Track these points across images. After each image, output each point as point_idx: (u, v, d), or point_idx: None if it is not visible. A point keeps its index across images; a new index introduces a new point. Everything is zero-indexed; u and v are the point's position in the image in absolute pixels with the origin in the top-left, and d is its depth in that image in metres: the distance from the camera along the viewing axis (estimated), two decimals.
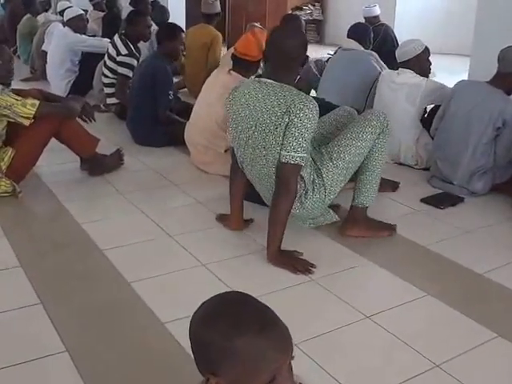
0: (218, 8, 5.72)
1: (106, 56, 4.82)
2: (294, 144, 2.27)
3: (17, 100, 2.88)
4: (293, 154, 2.28)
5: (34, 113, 2.89)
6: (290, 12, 9.19)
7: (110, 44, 4.84)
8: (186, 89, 5.65)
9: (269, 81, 2.36)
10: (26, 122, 2.91)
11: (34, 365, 1.74)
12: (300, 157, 2.29)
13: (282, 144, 2.29)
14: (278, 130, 2.29)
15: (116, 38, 4.77)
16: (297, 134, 2.26)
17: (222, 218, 2.77)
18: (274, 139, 2.31)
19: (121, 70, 4.65)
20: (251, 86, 2.41)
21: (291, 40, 2.35)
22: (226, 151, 3.39)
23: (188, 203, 3.05)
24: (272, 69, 2.39)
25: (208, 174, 3.47)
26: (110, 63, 4.77)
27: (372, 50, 4.35)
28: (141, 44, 4.91)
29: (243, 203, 2.69)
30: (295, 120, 2.25)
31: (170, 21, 6.48)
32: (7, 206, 2.94)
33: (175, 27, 4.23)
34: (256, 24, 4.65)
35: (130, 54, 4.66)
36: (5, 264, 2.34)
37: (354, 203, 2.65)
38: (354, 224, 2.65)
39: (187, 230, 2.71)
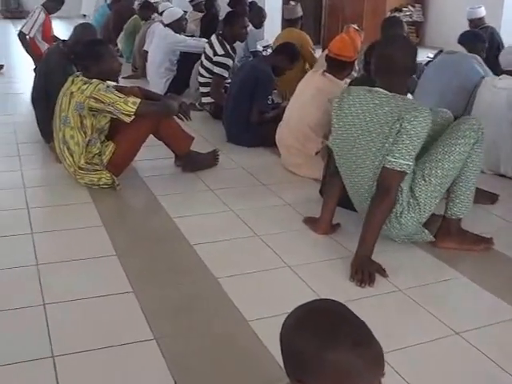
0: (300, 12, 5.78)
1: (202, 56, 4.96)
2: (403, 151, 2.22)
3: (119, 97, 3.02)
4: (401, 161, 2.23)
5: (134, 110, 3.02)
6: (388, 13, 8.98)
7: (207, 44, 4.97)
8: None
9: (381, 90, 2.33)
10: (127, 119, 3.05)
11: (123, 349, 1.82)
12: (407, 164, 2.24)
13: (389, 150, 2.25)
14: (388, 138, 2.25)
15: (213, 38, 4.89)
16: (407, 142, 2.22)
17: (309, 221, 2.76)
18: (382, 148, 2.27)
19: (217, 69, 4.76)
20: (362, 95, 2.38)
21: (402, 51, 2.32)
22: (316, 153, 3.38)
23: (276, 204, 3.07)
24: (382, 79, 2.36)
25: (297, 176, 3.48)
26: (206, 63, 4.89)
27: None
28: (236, 44, 5.00)
29: (335, 208, 2.67)
30: (408, 127, 2.21)
31: (266, 21, 6.60)
32: (107, 197, 3.11)
33: (299, 55, 4.33)
34: (353, 25, 4.59)
35: (227, 55, 4.76)
36: (102, 252, 2.47)
37: (447, 214, 2.55)
38: (447, 236, 2.55)
39: (274, 230, 2.73)
